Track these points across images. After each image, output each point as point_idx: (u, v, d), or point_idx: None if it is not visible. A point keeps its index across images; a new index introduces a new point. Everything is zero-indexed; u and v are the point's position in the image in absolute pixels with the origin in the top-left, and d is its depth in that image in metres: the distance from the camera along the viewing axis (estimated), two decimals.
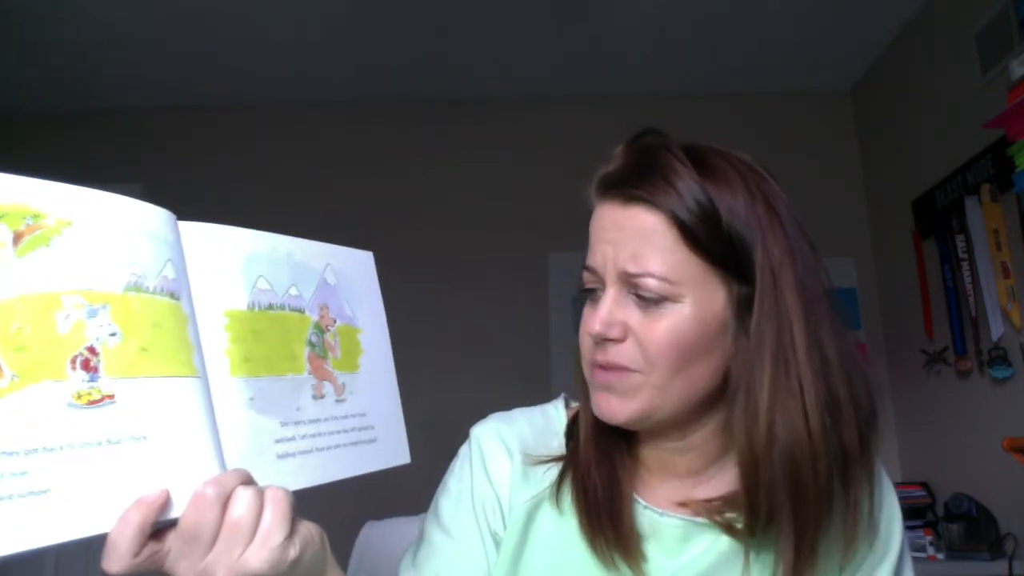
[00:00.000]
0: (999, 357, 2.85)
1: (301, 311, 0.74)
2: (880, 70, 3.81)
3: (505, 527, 0.96)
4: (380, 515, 1.38)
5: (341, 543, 1.32)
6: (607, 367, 0.88)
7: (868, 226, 3.97)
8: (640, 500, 0.94)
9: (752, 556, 0.89)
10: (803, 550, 0.84)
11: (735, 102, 4.05)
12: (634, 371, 0.86)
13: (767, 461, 0.83)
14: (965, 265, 3.02)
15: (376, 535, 1.34)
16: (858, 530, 0.88)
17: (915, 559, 2.76)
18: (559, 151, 3.61)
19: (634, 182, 0.86)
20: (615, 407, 0.88)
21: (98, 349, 0.56)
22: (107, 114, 4.14)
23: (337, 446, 0.75)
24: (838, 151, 4.06)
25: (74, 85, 3.93)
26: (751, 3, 3.34)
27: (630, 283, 0.86)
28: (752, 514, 0.86)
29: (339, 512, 1.92)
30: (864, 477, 0.89)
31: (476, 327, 3.91)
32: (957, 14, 3.11)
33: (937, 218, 3.23)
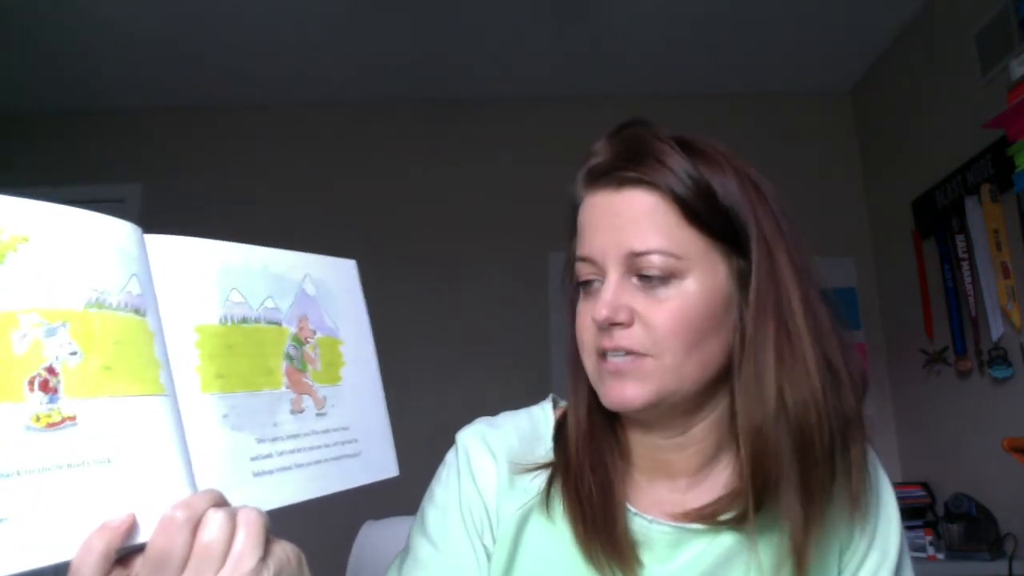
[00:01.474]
0: (999, 357, 2.84)
1: (278, 324, 0.72)
2: (880, 70, 3.80)
3: (494, 537, 0.94)
4: (379, 515, 1.37)
5: (340, 543, 1.31)
6: (616, 352, 0.86)
7: (868, 226, 3.96)
8: (631, 507, 0.93)
9: (758, 539, 0.89)
10: (813, 512, 0.85)
11: (735, 102, 4.04)
12: (645, 355, 0.85)
13: (775, 427, 0.84)
14: (965, 265, 3.01)
15: (375, 535, 1.33)
16: (862, 486, 0.90)
17: (915, 559, 2.76)
18: (559, 151, 3.57)
19: (626, 167, 0.86)
20: (628, 393, 0.86)
21: (57, 369, 0.54)
22: (107, 114, 4.14)
23: (318, 461, 0.73)
24: (838, 151, 4.06)
25: (74, 85, 3.93)
26: (751, 3, 3.33)
27: (634, 265, 0.85)
28: (758, 483, 0.85)
29: (338, 511, 1.92)
30: (861, 439, 0.90)
31: (476, 327, 3.90)
32: (957, 14, 3.10)
33: (937, 218, 3.22)
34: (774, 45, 3.67)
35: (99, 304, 0.57)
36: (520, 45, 3.69)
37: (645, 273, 0.84)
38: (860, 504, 0.90)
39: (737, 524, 0.89)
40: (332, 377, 0.78)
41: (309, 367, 0.75)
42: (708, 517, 0.90)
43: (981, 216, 2.90)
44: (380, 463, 0.82)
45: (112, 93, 4.03)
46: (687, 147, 0.87)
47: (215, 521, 0.58)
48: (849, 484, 0.88)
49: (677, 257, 0.84)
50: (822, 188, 3.87)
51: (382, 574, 1.00)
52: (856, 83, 4.03)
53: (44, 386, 0.53)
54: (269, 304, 0.72)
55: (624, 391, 0.86)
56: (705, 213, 0.84)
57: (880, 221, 3.86)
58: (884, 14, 3.43)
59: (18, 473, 0.51)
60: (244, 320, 0.69)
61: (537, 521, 0.94)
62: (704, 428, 0.93)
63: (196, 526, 0.58)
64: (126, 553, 0.56)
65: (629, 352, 0.85)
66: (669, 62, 3.83)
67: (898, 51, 3.62)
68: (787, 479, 0.84)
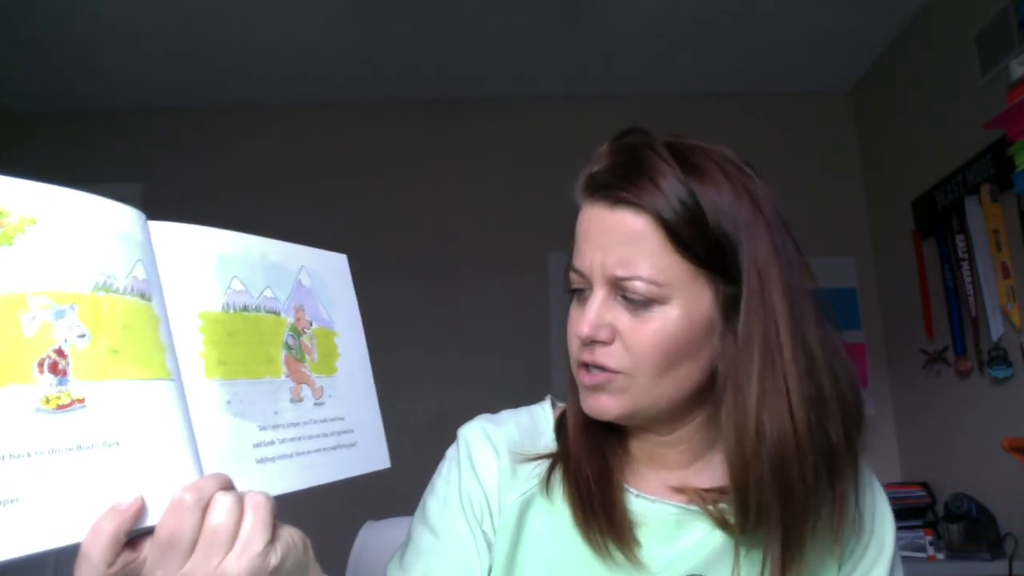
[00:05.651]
0: (999, 357, 2.84)
1: (277, 313, 0.73)
2: (880, 70, 3.80)
3: (495, 527, 0.96)
4: (379, 515, 1.37)
5: (340, 543, 1.32)
6: (593, 367, 0.89)
7: (868, 226, 3.96)
8: (631, 489, 0.95)
9: (743, 552, 0.90)
10: (791, 545, 0.85)
11: (735, 102, 4.05)
12: (620, 373, 0.87)
13: (756, 459, 0.84)
14: (965, 265, 3.01)
15: (375, 535, 1.33)
16: (844, 524, 0.89)
17: (915, 559, 2.76)
18: (559, 151, 3.60)
19: (620, 184, 0.86)
20: (605, 403, 0.89)
21: (66, 351, 0.54)
22: (107, 114, 4.14)
23: (317, 450, 0.74)
24: (838, 151, 4.06)
25: (74, 85, 3.93)
26: (751, 3, 3.33)
27: (618, 286, 0.86)
28: (742, 512, 0.86)
29: (339, 512, 1.92)
30: (850, 472, 0.90)
31: (476, 327, 3.90)
32: (957, 14, 3.10)
33: (937, 218, 3.22)
34: (774, 45, 3.67)
35: (106, 288, 0.57)
36: (520, 45, 3.69)
37: (629, 295, 0.86)
38: (841, 542, 0.90)
39: (730, 530, 0.90)
40: (328, 368, 0.79)
41: (307, 357, 0.76)
42: (709, 500, 0.92)
43: (981, 216, 2.89)
44: (374, 455, 0.83)
45: (112, 93, 4.03)
46: (685, 162, 0.86)
47: (224, 504, 0.59)
48: (832, 519, 0.88)
49: (659, 284, 0.85)
50: (822, 188, 3.87)
51: (383, 573, 1.01)
52: (856, 83, 4.03)
53: (54, 368, 0.53)
54: (268, 294, 0.73)
55: (600, 401, 0.90)
56: (693, 241, 0.84)
57: (880, 221, 3.86)
58: (884, 14, 3.43)
59: (28, 455, 0.51)
60: (245, 308, 0.70)
61: (539, 506, 0.96)
62: (691, 429, 0.95)
63: (205, 509, 0.59)
64: (135, 536, 0.57)
65: (605, 369, 0.88)
66: (669, 62, 3.83)
67: (898, 51, 3.62)
68: (768, 510, 0.85)
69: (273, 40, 3.58)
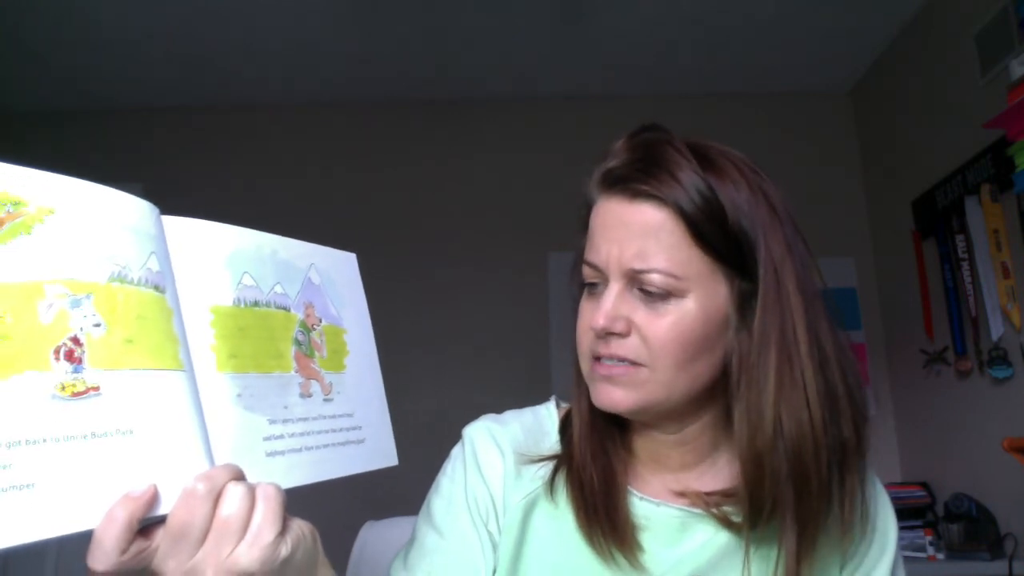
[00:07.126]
0: (999, 357, 2.84)
1: (287, 309, 0.73)
2: (880, 70, 3.81)
3: (500, 527, 0.96)
4: (380, 515, 1.37)
5: (341, 543, 1.32)
6: (609, 359, 0.88)
7: (868, 226, 3.96)
8: (635, 492, 0.95)
9: (752, 550, 0.90)
10: (806, 541, 0.86)
11: (735, 102, 4.05)
12: (638, 364, 0.87)
13: (772, 454, 0.84)
14: (965, 265, 3.01)
15: (376, 535, 1.33)
16: (853, 519, 0.90)
17: (915, 559, 2.76)
18: (559, 151, 3.61)
19: (640, 177, 0.87)
20: (616, 396, 0.89)
21: (82, 340, 0.54)
22: (107, 114, 4.13)
23: (326, 445, 0.74)
24: (838, 151, 4.06)
25: (74, 85, 3.93)
26: (751, 3, 3.34)
27: (635, 279, 0.86)
28: (755, 507, 0.87)
29: (339, 512, 1.92)
30: (858, 468, 0.91)
31: (476, 327, 3.90)
32: (957, 14, 3.11)
33: (937, 218, 3.23)
34: (774, 45, 3.68)
35: (121, 278, 0.58)
36: (520, 45, 3.69)
37: (646, 288, 0.86)
38: (849, 536, 0.91)
39: (737, 529, 0.91)
40: (337, 364, 0.80)
41: (316, 353, 0.76)
42: (712, 504, 0.92)
43: (981, 216, 2.90)
44: (382, 451, 0.83)
45: (112, 93, 4.03)
46: (703, 159, 0.87)
47: (235, 494, 0.59)
48: (842, 513, 0.89)
49: (677, 277, 0.85)
50: (822, 188, 3.87)
51: (383, 573, 1.01)
52: (856, 83, 4.04)
53: (69, 356, 0.54)
54: (278, 290, 0.73)
55: (612, 395, 0.89)
56: (712, 234, 0.85)
57: (880, 221, 3.87)
58: (884, 14, 3.43)
59: (44, 440, 0.52)
60: (256, 303, 0.70)
61: (543, 508, 0.96)
62: (698, 428, 0.95)
63: (217, 499, 0.59)
64: (147, 525, 0.57)
65: (623, 360, 0.88)
66: (669, 62, 3.84)
67: (898, 51, 3.63)
68: (784, 504, 0.85)
69: (273, 40, 3.58)
